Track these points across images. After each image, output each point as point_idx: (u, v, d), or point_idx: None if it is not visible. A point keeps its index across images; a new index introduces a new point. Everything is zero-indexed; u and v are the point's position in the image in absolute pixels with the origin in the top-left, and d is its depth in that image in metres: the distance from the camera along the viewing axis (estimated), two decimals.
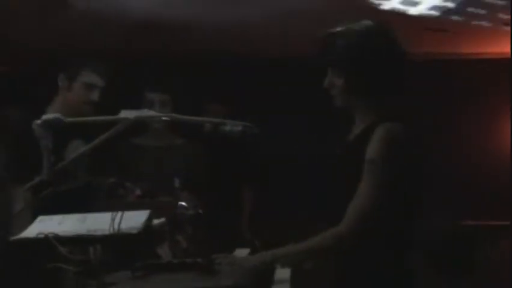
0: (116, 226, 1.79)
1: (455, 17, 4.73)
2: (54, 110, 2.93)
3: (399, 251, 2.09)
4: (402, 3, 4.47)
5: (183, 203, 2.67)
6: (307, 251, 2.03)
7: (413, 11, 4.61)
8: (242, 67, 5.38)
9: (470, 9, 4.61)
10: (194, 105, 3.80)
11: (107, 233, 1.79)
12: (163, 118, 2.44)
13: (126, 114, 2.36)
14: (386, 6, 4.46)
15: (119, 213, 1.82)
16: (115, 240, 1.76)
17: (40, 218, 2.03)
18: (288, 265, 2.13)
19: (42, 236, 1.74)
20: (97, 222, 1.90)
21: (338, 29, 2.09)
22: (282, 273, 2.22)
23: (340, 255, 2.18)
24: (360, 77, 2.04)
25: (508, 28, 4.75)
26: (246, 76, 5.41)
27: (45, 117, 2.32)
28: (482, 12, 4.64)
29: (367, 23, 2.08)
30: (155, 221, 2.10)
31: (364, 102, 2.09)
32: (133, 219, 1.91)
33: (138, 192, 2.47)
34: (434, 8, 4.56)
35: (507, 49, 5.40)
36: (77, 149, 2.87)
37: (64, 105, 3.11)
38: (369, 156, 1.98)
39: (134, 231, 1.86)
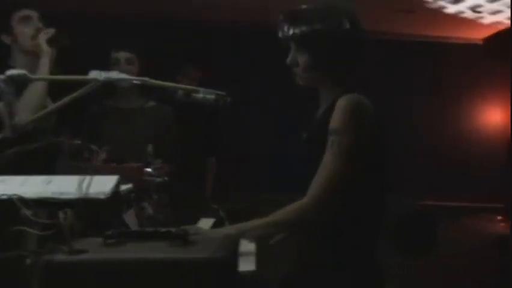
0: (84, 190, 1.72)
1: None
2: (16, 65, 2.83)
3: (367, 230, 2.09)
4: None
5: (149, 170, 2.61)
6: (273, 224, 2.02)
7: None
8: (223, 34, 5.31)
9: None
10: (170, 68, 3.73)
11: (73, 197, 1.72)
12: (134, 82, 2.36)
13: (95, 75, 2.28)
14: None
15: (88, 177, 1.75)
16: (82, 205, 1.69)
17: (1, 178, 1.94)
18: (253, 238, 2.12)
19: (6, 197, 1.66)
20: (63, 185, 1.82)
21: (301, 7, 2.12)
22: (248, 247, 2.20)
23: (306, 230, 2.19)
24: (325, 53, 2.06)
25: (476, 14, 4.86)
26: (223, 42, 5.34)
27: (9, 72, 2.23)
28: None
29: (328, 2, 2.12)
30: (122, 187, 2.05)
31: (328, 79, 2.10)
32: (101, 184, 1.85)
33: (103, 155, 2.39)
34: None
35: (473, 35, 5.52)
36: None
37: (20, 56, 3.01)
38: (332, 127, 1.98)
39: (102, 197, 1.80)
